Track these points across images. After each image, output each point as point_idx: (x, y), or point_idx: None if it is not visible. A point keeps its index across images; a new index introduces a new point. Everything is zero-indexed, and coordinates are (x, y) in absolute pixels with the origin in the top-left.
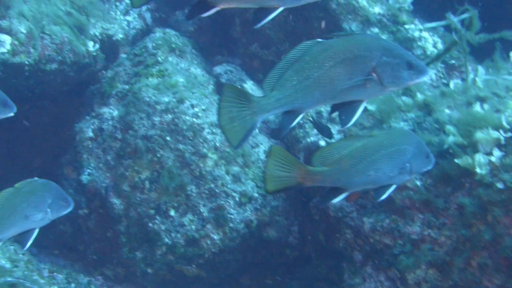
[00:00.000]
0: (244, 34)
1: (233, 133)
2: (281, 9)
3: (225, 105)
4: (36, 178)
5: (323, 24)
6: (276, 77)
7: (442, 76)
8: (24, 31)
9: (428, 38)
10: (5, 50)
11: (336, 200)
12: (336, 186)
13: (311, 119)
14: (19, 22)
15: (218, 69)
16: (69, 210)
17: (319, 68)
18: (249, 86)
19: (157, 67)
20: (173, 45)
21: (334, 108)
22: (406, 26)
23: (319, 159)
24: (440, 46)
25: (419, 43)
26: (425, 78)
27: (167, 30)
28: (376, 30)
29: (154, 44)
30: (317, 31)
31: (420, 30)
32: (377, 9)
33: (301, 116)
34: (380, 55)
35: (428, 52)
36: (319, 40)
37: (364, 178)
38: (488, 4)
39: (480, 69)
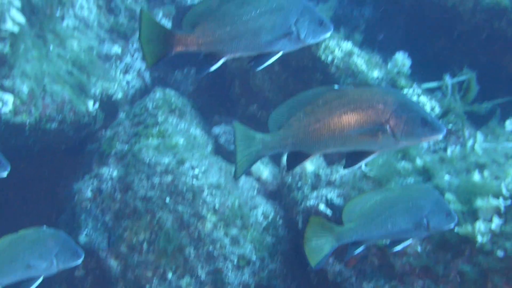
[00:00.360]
0: (243, 95)
1: (239, 165)
2: (281, 53)
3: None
4: (44, 226)
5: None
6: (282, 116)
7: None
8: (26, 91)
9: (426, 103)
10: (7, 110)
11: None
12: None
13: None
14: (21, 82)
15: (217, 129)
16: (79, 261)
17: (331, 113)
18: None
19: (157, 127)
20: (173, 106)
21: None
22: (405, 91)
23: (347, 215)
24: (437, 110)
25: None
26: (440, 136)
27: (167, 90)
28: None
29: (154, 104)
30: None
31: (418, 95)
32: (376, 73)
33: (309, 159)
34: (395, 108)
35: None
36: (335, 86)
37: (382, 232)
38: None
39: (479, 135)
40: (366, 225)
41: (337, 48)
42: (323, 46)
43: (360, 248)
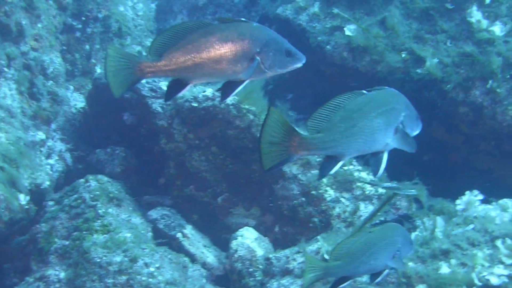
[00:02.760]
0: (179, 177)
1: (268, 157)
2: (247, 81)
3: (268, 130)
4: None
5: None
6: (320, 120)
7: None
8: None
9: (366, 178)
10: None
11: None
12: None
13: None
14: None
15: (153, 214)
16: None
17: (364, 118)
18: (189, 231)
19: (99, 221)
20: (111, 195)
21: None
22: (345, 168)
23: (335, 255)
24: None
25: (358, 184)
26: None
27: (99, 177)
28: (315, 171)
29: (91, 196)
30: (256, 173)
31: (359, 171)
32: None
33: (341, 163)
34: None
35: (367, 192)
36: (363, 91)
37: (366, 268)
38: None
39: (439, 220)
40: (351, 263)
41: None
42: None
43: (346, 283)
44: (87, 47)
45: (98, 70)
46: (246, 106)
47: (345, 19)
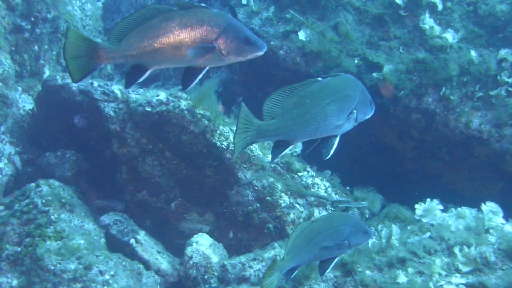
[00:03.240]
0: (131, 182)
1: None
2: (207, 68)
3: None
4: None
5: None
6: (274, 105)
7: None
8: None
9: (320, 184)
10: None
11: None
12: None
13: None
14: None
15: (106, 219)
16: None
17: (317, 105)
18: (142, 237)
19: (52, 227)
20: (63, 200)
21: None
22: (300, 174)
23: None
24: (330, 190)
25: (312, 190)
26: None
27: (51, 181)
28: (271, 178)
29: (43, 201)
30: (210, 179)
31: (313, 177)
32: (270, 157)
33: (290, 147)
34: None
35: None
36: (318, 79)
37: (312, 257)
38: None
39: (395, 228)
40: (298, 254)
41: (231, 133)
42: (217, 132)
43: (295, 272)
44: (36, 47)
45: (47, 71)
46: (201, 111)
47: (298, 23)
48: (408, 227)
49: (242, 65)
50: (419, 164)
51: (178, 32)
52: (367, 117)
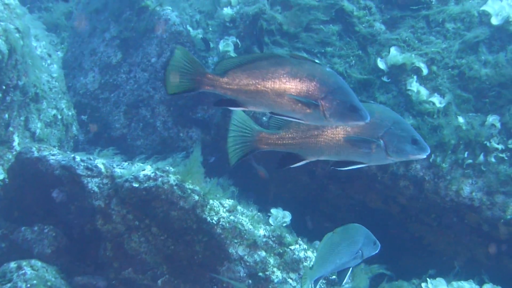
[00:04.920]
0: (116, 259)
1: (232, 154)
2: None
3: (233, 129)
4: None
5: None
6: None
7: None
8: None
9: (312, 257)
10: None
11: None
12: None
13: None
14: None
15: None
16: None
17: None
18: None
19: None
20: (49, 283)
21: None
22: (292, 247)
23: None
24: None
25: (305, 263)
26: (425, 155)
27: (33, 262)
28: (263, 253)
29: (28, 285)
30: (199, 255)
31: (305, 250)
32: (262, 231)
33: (303, 162)
34: (389, 125)
35: None
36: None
37: (333, 267)
38: None
39: None
40: (323, 264)
41: (221, 208)
42: (208, 207)
43: (320, 279)
44: (6, 116)
45: (16, 138)
46: (190, 186)
47: None
48: None
49: (218, 128)
50: (404, 228)
51: (285, 80)
52: (407, 154)
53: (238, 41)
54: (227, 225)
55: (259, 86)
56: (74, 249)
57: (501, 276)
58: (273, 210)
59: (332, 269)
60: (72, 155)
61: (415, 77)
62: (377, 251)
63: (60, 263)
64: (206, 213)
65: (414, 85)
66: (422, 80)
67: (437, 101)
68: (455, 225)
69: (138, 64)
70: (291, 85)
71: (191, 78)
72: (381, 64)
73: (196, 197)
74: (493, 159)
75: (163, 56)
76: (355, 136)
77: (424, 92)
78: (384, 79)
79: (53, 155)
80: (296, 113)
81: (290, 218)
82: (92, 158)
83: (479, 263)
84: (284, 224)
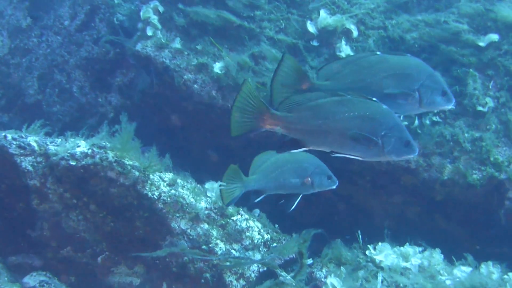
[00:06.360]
0: (54, 238)
1: (278, 97)
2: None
3: (282, 72)
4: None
5: None
6: (332, 70)
7: None
8: None
9: (254, 227)
10: None
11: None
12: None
13: None
14: None
15: (30, 281)
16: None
17: (373, 75)
18: None
19: None
20: None
21: None
22: (234, 218)
23: (252, 169)
24: (263, 231)
25: (247, 234)
26: (452, 106)
27: None
28: (206, 226)
29: None
30: (140, 230)
31: (247, 220)
32: (203, 203)
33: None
34: (425, 78)
35: (255, 241)
36: (377, 52)
37: (276, 184)
38: None
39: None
40: (264, 178)
41: (162, 182)
42: (149, 182)
43: (261, 197)
44: None
45: None
46: (130, 162)
47: (212, 55)
48: (359, 273)
49: (146, 95)
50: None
51: (348, 120)
52: (437, 105)
53: (159, 5)
54: (169, 199)
55: (324, 126)
56: (6, 229)
57: (431, 235)
58: (207, 185)
59: (273, 186)
60: (3, 134)
61: (343, 40)
62: (333, 187)
63: None
64: (147, 188)
65: (343, 48)
66: (353, 42)
67: None
68: (389, 186)
69: (50, 27)
70: (353, 125)
71: (253, 118)
72: (310, 28)
73: (137, 173)
74: (427, 121)
75: (77, 19)
76: (393, 90)
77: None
78: (314, 43)
79: None
80: (357, 151)
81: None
82: (24, 136)
83: (410, 222)
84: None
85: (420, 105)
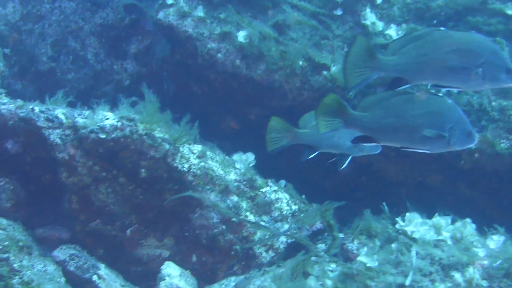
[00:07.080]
0: (83, 211)
1: (351, 77)
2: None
3: (353, 53)
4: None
5: None
6: (398, 45)
7: None
8: None
9: (283, 198)
10: None
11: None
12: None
13: None
14: None
15: (60, 254)
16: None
17: (436, 50)
18: (104, 271)
19: (17, 277)
20: (20, 243)
21: None
22: (263, 190)
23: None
24: (291, 202)
25: (276, 205)
26: None
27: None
28: (236, 198)
29: (1, 247)
30: (169, 203)
31: (275, 191)
32: (232, 175)
33: (407, 86)
34: (488, 54)
35: (284, 212)
36: (442, 28)
37: (330, 143)
38: None
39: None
40: (316, 133)
41: (191, 154)
42: (179, 155)
43: (314, 153)
44: None
45: None
46: (160, 135)
47: (235, 24)
48: (393, 245)
49: (166, 63)
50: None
51: (417, 115)
52: (501, 82)
53: None
54: (198, 171)
55: (395, 125)
56: (33, 202)
57: (454, 202)
58: (235, 156)
59: (325, 145)
60: (31, 106)
61: (368, 8)
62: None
63: (20, 217)
64: (177, 161)
65: (368, 16)
66: (377, 9)
67: (394, 32)
68: (414, 154)
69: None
70: (424, 120)
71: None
72: None
73: (167, 146)
74: (455, 90)
75: None
76: (454, 63)
77: (379, 23)
78: (338, 11)
79: (3, 104)
80: (426, 145)
81: (254, 157)
82: (51, 108)
83: (431, 189)
84: (251, 165)
85: (483, 81)
